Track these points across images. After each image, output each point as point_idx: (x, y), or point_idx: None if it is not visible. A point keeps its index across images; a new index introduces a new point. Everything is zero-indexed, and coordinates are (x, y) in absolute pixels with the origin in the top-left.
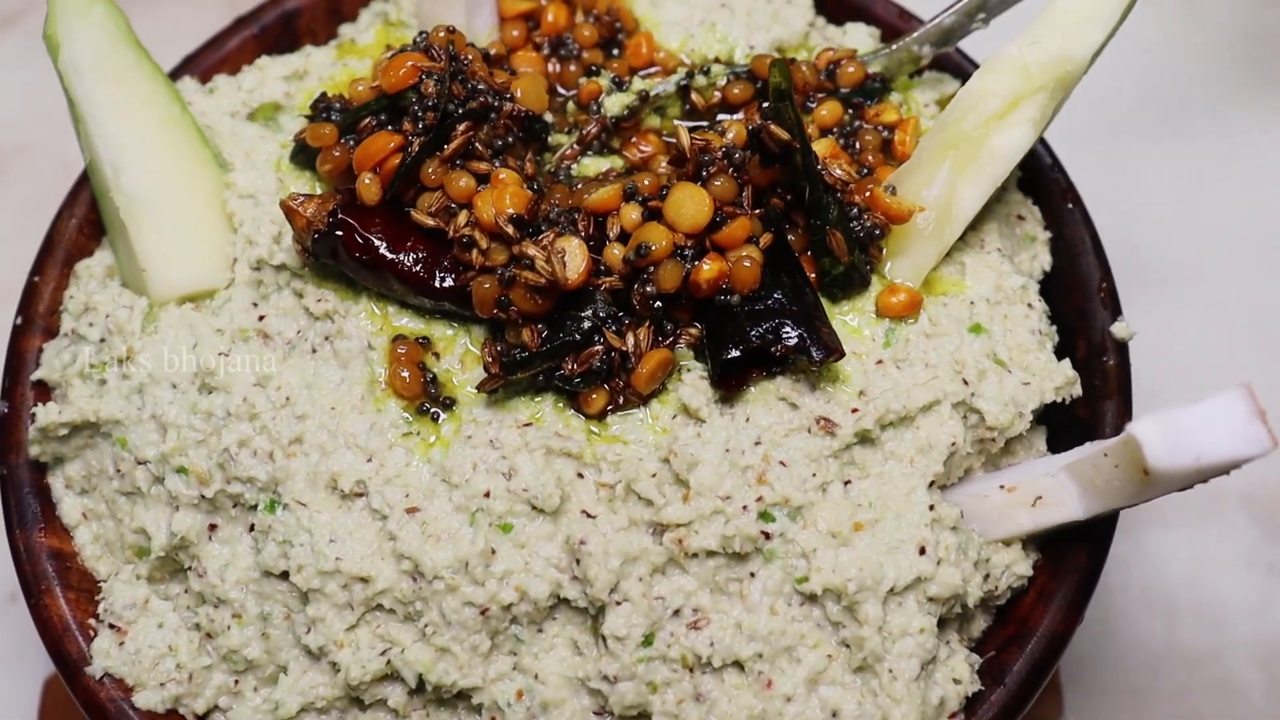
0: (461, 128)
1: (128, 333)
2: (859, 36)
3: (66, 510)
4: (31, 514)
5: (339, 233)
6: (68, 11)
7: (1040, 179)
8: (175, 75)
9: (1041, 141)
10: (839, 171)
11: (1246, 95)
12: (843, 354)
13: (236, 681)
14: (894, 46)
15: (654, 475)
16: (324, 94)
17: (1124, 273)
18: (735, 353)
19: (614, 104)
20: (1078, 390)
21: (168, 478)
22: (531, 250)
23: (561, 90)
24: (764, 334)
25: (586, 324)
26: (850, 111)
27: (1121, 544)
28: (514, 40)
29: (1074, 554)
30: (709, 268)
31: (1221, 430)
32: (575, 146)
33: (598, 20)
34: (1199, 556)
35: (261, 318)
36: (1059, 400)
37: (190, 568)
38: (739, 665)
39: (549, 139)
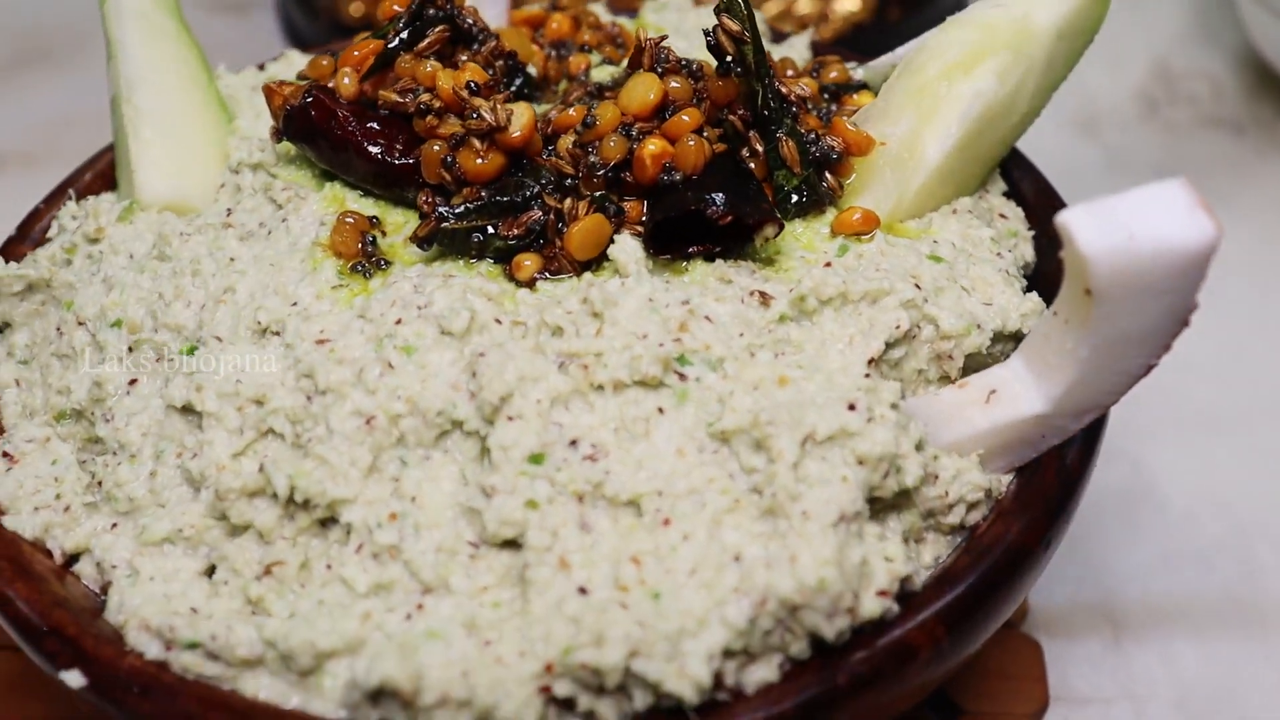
0: (438, 29)
1: (105, 219)
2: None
3: (1, 375)
4: None
5: (309, 102)
6: None
7: (1026, 194)
8: None
9: (1031, 168)
10: (799, 89)
11: None
12: (781, 225)
13: (115, 525)
14: (880, 60)
15: (570, 313)
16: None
17: (1160, 412)
18: (672, 214)
19: (601, 73)
20: None
21: (101, 332)
22: (479, 102)
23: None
24: (700, 200)
25: (529, 192)
26: (827, 97)
27: None
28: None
29: (1041, 477)
30: (654, 146)
31: (1159, 215)
32: (559, 105)
33: (600, 30)
34: None
35: (230, 212)
36: (1024, 331)
37: (101, 416)
38: (635, 507)
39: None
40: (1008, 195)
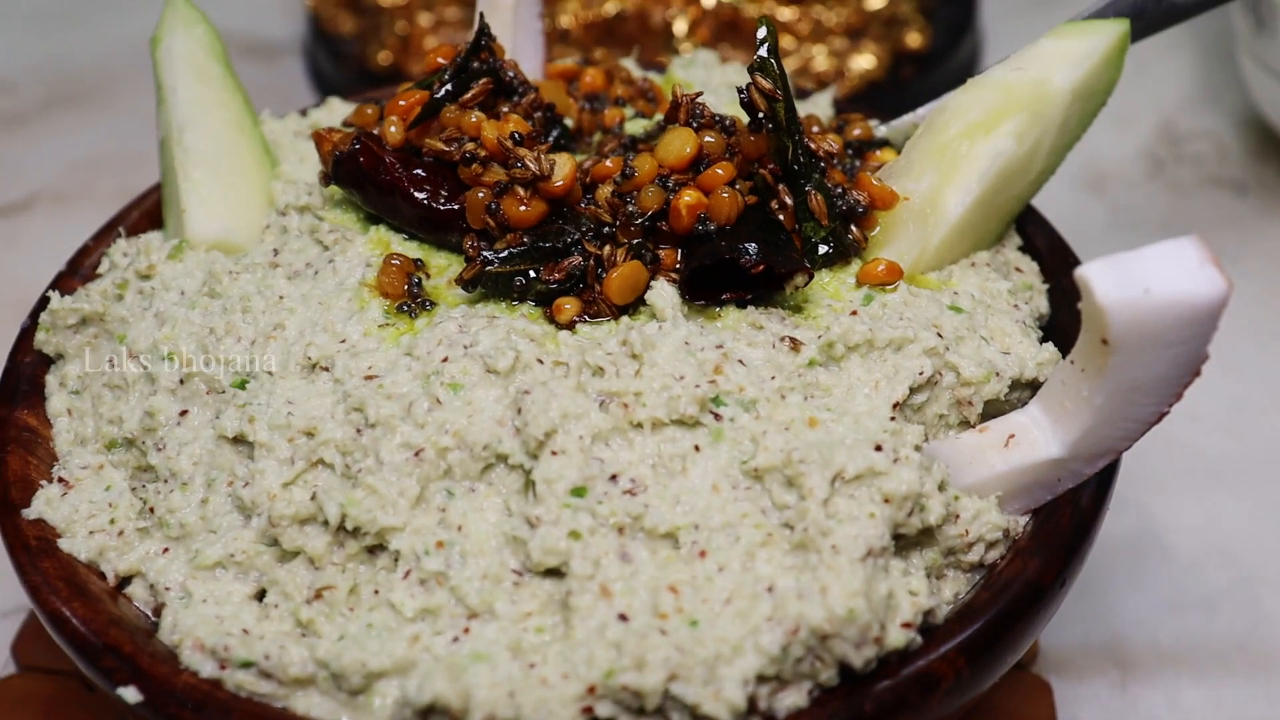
0: (481, 81)
1: (155, 256)
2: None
3: (53, 405)
4: (20, 394)
5: (358, 148)
6: (175, 21)
7: (1040, 248)
8: None
9: (1045, 225)
10: (827, 145)
11: None
12: (811, 275)
13: (166, 550)
14: (901, 119)
15: (609, 354)
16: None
17: (1168, 463)
18: (707, 262)
19: (635, 126)
20: None
21: (152, 365)
22: (523, 152)
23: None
24: (734, 249)
25: (569, 238)
26: (852, 153)
27: None
28: None
29: (1056, 518)
30: (689, 197)
31: (1173, 269)
32: (595, 156)
33: (633, 85)
34: None
35: (276, 252)
36: (1041, 379)
37: (153, 445)
38: (673, 539)
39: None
40: (1023, 250)
